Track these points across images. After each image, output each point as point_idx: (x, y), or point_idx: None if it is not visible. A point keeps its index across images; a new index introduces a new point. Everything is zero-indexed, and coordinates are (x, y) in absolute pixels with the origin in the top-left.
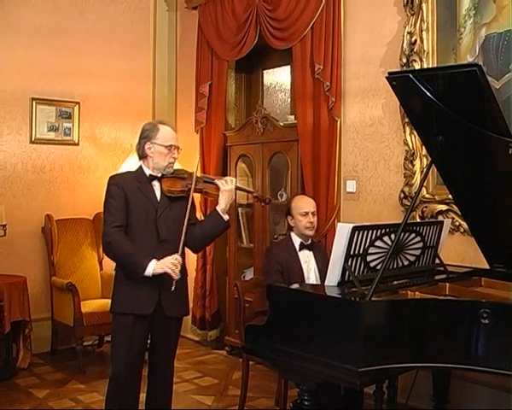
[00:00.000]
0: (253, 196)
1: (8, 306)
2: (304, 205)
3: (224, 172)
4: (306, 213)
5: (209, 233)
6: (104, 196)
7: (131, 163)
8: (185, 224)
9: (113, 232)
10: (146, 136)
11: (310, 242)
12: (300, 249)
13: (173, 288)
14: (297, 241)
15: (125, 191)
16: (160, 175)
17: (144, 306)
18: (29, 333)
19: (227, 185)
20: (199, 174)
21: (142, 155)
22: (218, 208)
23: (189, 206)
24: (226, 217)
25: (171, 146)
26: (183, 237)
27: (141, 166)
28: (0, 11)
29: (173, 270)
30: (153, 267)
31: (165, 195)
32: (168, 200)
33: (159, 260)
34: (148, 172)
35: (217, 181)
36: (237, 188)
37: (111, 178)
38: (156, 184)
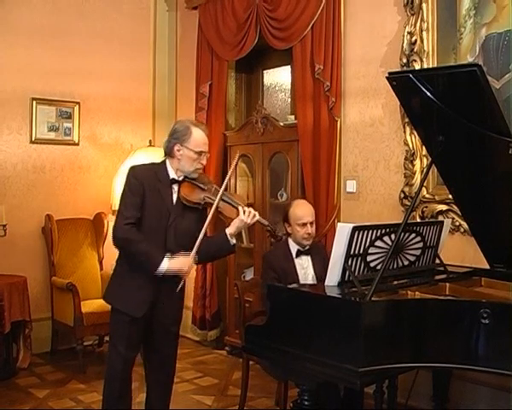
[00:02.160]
0: (266, 230)
1: (8, 306)
2: (302, 214)
3: (223, 173)
4: (304, 224)
5: (213, 253)
6: (123, 185)
7: (131, 163)
8: (202, 231)
9: (125, 230)
10: (177, 137)
11: (307, 247)
12: (297, 256)
13: (180, 286)
14: (294, 248)
15: (144, 187)
16: (181, 178)
17: (135, 308)
18: (29, 333)
19: (248, 219)
20: (220, 190)
21: (170, 154)
22: (227, 232)
23: (206, 223)
24: (233, 241)
25: (201, 152)
26: (199, 241)
27: (165, 164)
28: (0, 11)
29: (187, 271)
30: (166, 266)
31: (181, 201)
32: (183, 207)
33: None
34: (171, 173)
35: (240, 208)
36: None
37: (132, 168)
38: (175, 188)
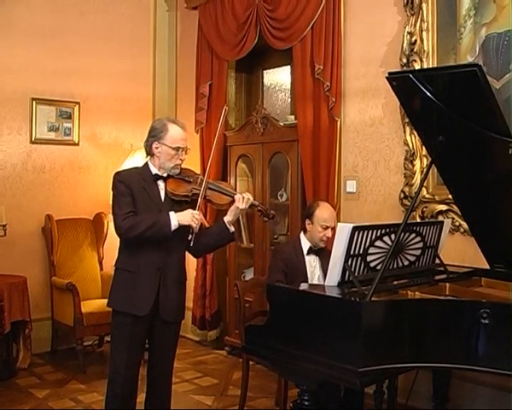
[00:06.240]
0: (257, 210)
1: (8, 306)
2: (328, 218)
3: (224, 173)
4: (327, 227)
5: (213, 243)
6: (111, 192)
7: (132, 163)
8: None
9: (125, 221)
10: (154, 134)
11: (318, 248)
12: (308, 253)
13: (191, 237)
14: (306, 244)
15: (131, 189)
16: (165, 175)
17: (140, 307)
18: (29, 333)
19: (244, 204)
20: (207, 180)
21: (150, 153)
22: (226, 220)
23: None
24: (232, 229)
25: (178, 148)
26: (200, 199)
27: (147, 164)
28: (0, 11)
29: (195, 221)
30: (176, 219)
31: (169, 196)
32: (172, 202)
33: (162, 260)
34: (154, 170)
35: (236, 196)
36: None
37: (116, 174)
38: (161, 184)
